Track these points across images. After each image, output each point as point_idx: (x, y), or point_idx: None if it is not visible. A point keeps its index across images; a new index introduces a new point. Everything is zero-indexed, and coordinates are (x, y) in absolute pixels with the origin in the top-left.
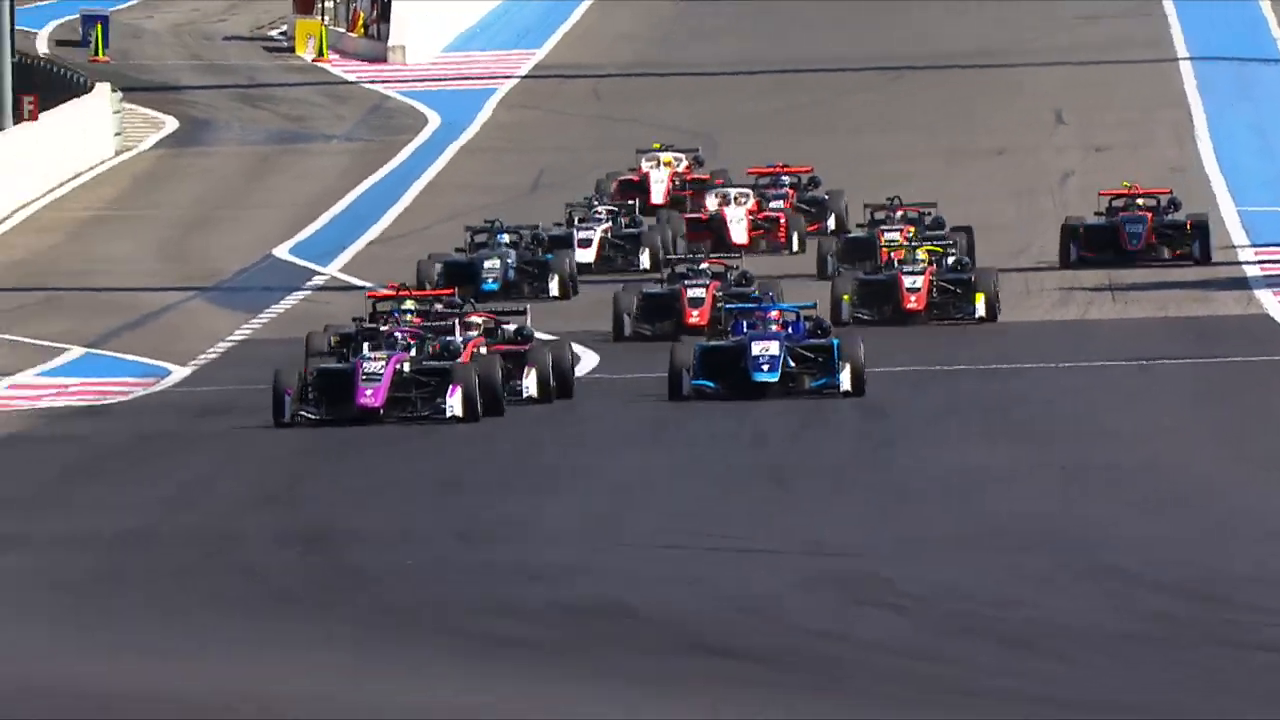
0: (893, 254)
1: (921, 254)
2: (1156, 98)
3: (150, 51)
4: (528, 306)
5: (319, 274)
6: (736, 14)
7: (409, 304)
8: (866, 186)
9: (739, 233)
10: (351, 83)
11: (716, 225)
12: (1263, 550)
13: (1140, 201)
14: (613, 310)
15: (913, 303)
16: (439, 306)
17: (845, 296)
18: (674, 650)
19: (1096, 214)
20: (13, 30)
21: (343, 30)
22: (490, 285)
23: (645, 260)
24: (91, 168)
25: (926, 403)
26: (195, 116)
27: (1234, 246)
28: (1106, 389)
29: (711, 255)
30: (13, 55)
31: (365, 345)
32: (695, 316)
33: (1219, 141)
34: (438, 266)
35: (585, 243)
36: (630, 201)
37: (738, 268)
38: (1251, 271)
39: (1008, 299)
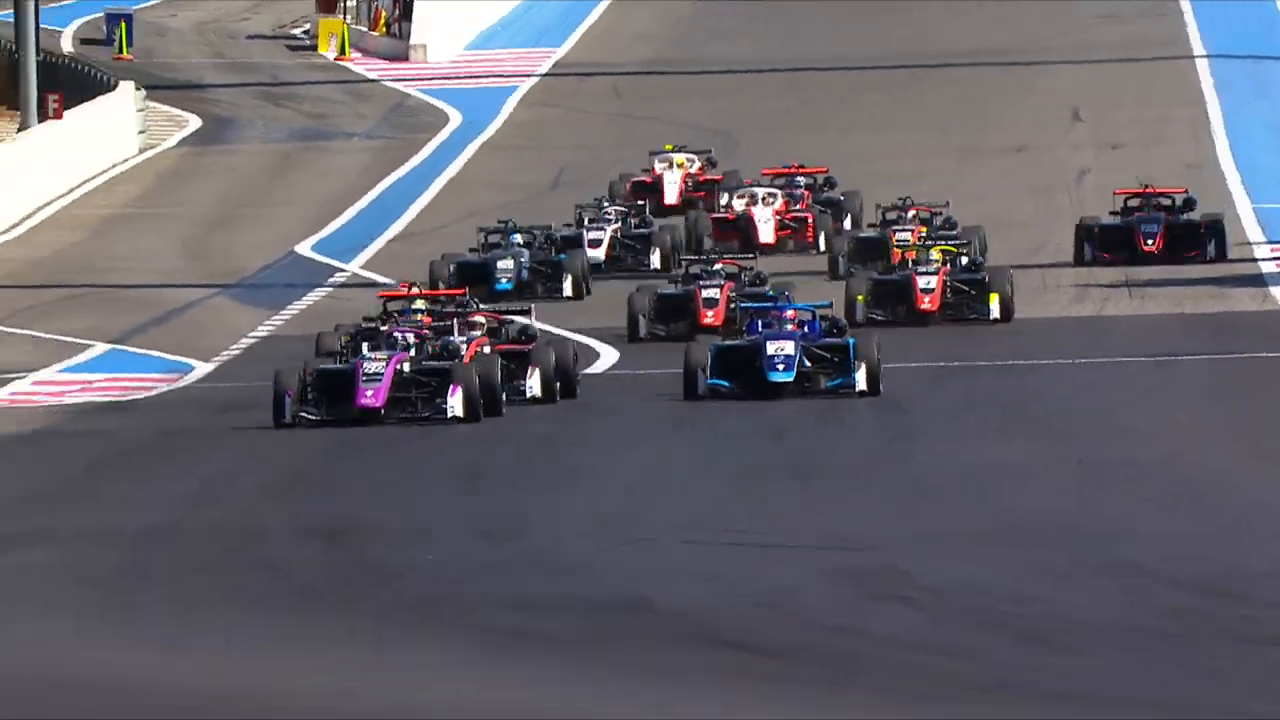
0: (906, 254)
1: (935, 254)
2: (1173, 95)
3: (174, 50)
4: (532, 306)
5: (341, 271)
6: (753, 13)
7: (420, 303)
8: (881, 185)
9: (766, 233)
10: (373, 81)
11: (744, 225)
12: (1279, 546)
13: (1155, 201)
14: (627, 311)
15: (926, 303)
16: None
17: (859, 297)
18: (691, 644)
19: (1111, 213)
20: (38, 29)
21: (364, 29)
22: (504, 285)
23: (655, 260)
24: (115, 165)
25: (944, 399)
26: (218, 114)
27: (1250, 243)
28: (1123, 385)
29: (725, 255)
30: (38, 54)
31: (365, 345)
32: (710, 317)
33: (1235, 139)
34: (451, 266)
35: (595, 243)
36: (640, 202)
37: (752, 268)
38: (1268, 268)
39: (1024, 295)
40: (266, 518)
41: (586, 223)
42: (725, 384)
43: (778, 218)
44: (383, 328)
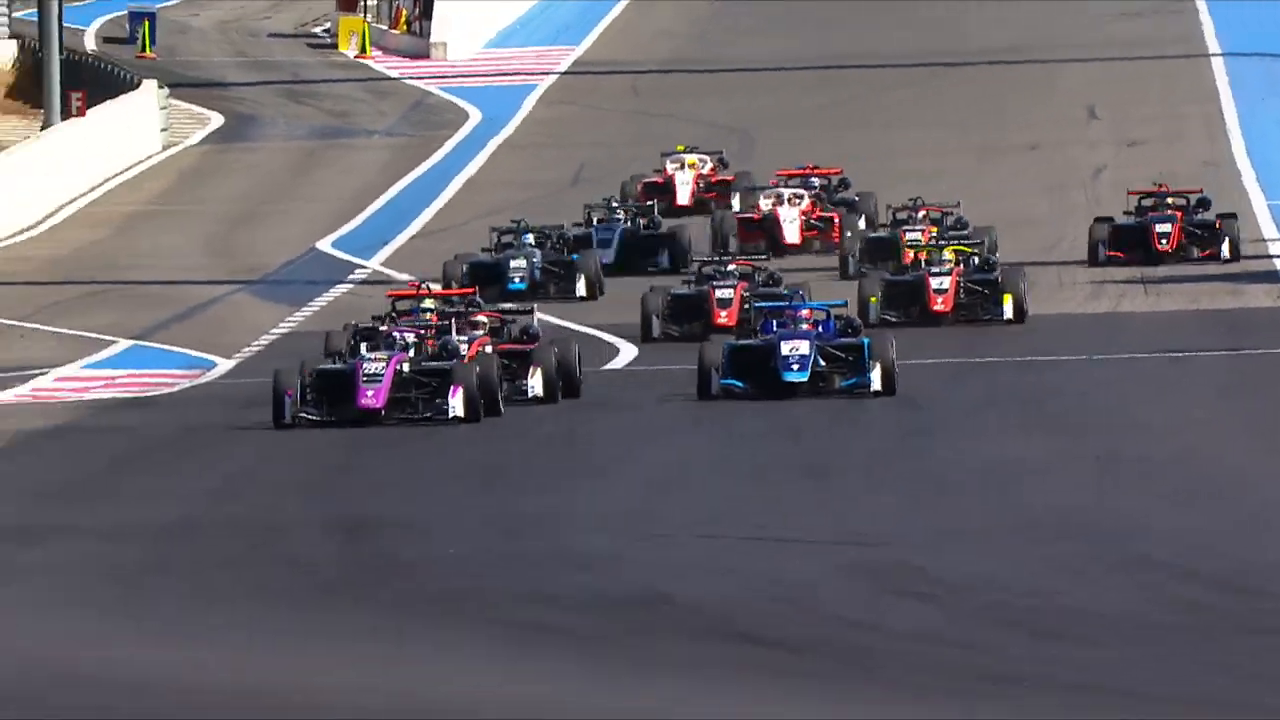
0: (919, 254)
1: (948, 254)
2: (1188, 93)
3: (196, 48)
4: (534, 306)
5: (362, 268)
6: (772, 12)
7: (429, 302)
8: (901, 183)
9: (792, 233)
10: (394, 79)
11: (769, 225)
12: None
13: (1170, 201)
14: (641, 311)
15: (940, 304)
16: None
17: (872, 298)
18: (709, 639)
19: (1126, 213)
20: (61, 27)
21: (385, 27)
22: (517, 285)
23: (665, 261)
24: (138, 163)
25: (961, 395)
26: (240, 112)
27: (1265, 240)
28: (1139, 381)
29: (737, 256)
30: (61, 52)
31: (364, 346)
32: (724, 317)
33: (1250, 136)
34: (464, 267)
35: (605, 243)
36: (650, 202)
37: (765, 268)
38: None
39: (1041, 292)
40: (288, 513)
41: (595, 223)
42: (739, 384)
43: (803, 218)
44: (382, 328)
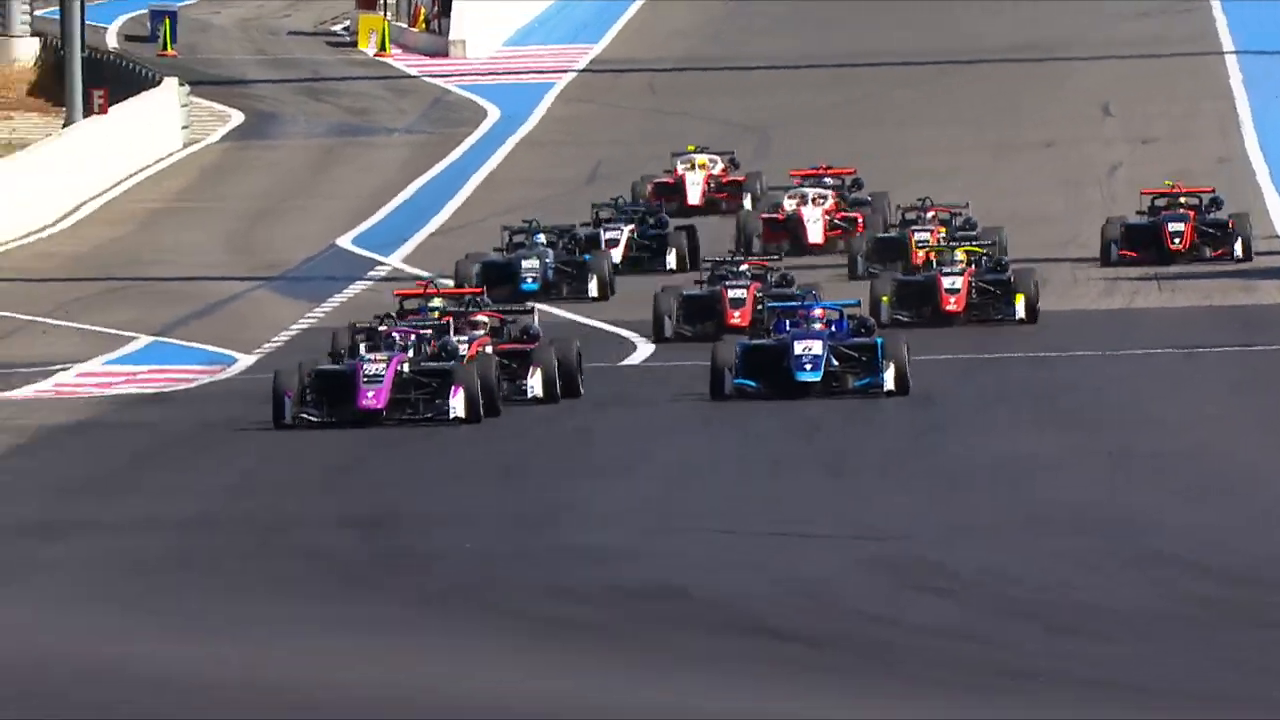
0: (930, 255)
1: (960, 255)
2: (1202, 90)
3: (217, 46)
4: (534, 305)
5: (381, 264)
6: (787, 11)
7: (437, 301)
8: (917, 180)
9: (815, 233)
10: (413, 77)
11: (793, 225)
12: None
13: (1183, 200)
14: (653, 311)
15: (952, 304)
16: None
17: (884, 298)
18: (726, 632)
19: (1139, 213)
20: (83, 26)
21: (404, 25)
22: (529, 285)
23: (672, 261)
24: (160, 160)
25: (975, 391)
26: (261, 110)
27: (1278, 236)
28: (1152, 377)
29: (750, 256)
30: (83, 50)
31: (363, 346)
32: (737, 317)
33: (1264, 133)
34: (476, 267)
35: (612, 243)
36: (658, 202)
37: (778, 269)
38: None
39: (1055, 289)
40: (306, 508)
41: (603, 223)
42: (752, 384)
43: (827, 218)
44: (381, 328)
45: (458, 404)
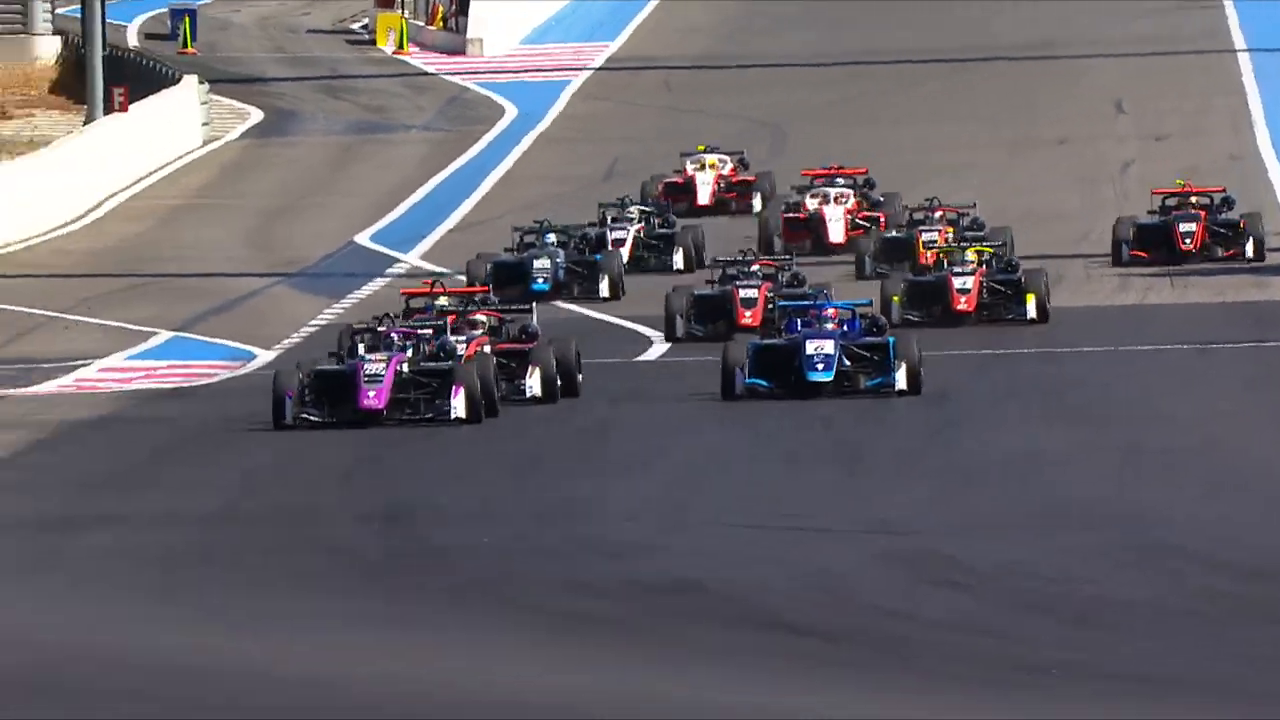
0: (942, 255)
1: (971, 255)
2: (1214, 87)
3: (237, 44)
4: (533, 305)
5: (400, 261)
6: (802, 9)
7: (443, 300)
8: (932, 176)
9: (837, 232)
10: (431, 74)
11: (815, 224)
12: None
13: (1194, 200)
14: (665, 311)
15: (963, 304)
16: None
17: (895, 298)
18: (742, 626)
19: (1150, 212)
20: (104, 24)
21: (422, 23)
22: (541, 285)
23: (679, 261)
24: (180, 157)
25: (987, 387)
26: (280, 107)
27: None
28: (1164, 373)
29: (761, 256)
30: (104, 48)
31: (361, 346)
32: (748, 317)
33: (1275, 130)
34: (488, 266)
35: (618, 242)
36: (665, 202)
37: (789, 269)
38: None
39: (1069, 285)
40: (325, 503)
41: (610, 222)
42: (764, 383)
43: (849, 217)
44: (380, 328)
45: (458, 404)
